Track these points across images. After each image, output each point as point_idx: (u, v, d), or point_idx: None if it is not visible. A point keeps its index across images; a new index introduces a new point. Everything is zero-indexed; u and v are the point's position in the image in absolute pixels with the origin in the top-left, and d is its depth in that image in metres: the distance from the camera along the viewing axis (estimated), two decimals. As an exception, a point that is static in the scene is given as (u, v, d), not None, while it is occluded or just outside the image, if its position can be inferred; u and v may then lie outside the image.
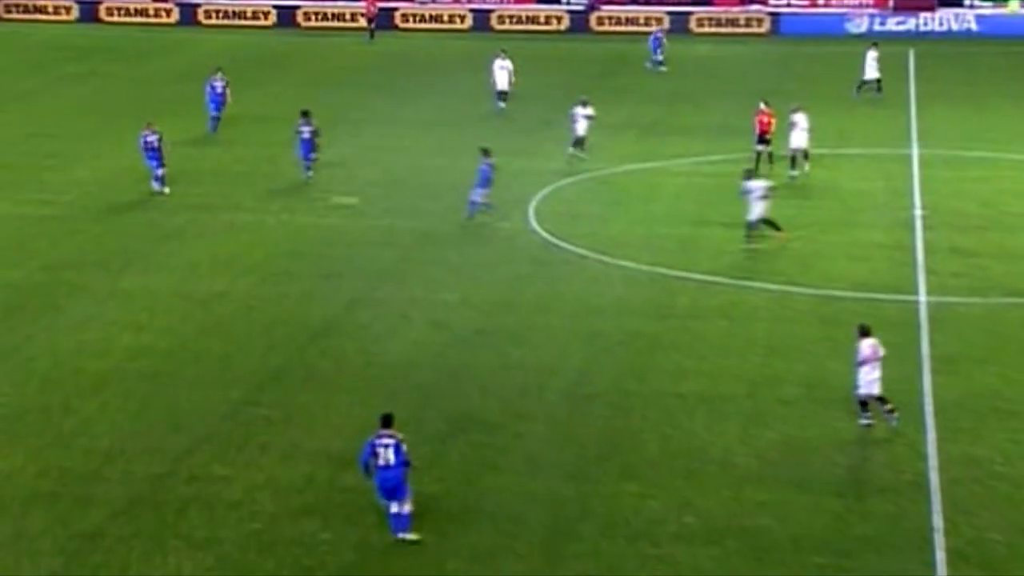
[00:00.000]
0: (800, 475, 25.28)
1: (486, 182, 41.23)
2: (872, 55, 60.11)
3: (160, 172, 44.44)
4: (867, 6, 78.22)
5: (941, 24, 76.61)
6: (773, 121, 46.91)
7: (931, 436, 26.65)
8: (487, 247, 39.22)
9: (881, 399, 26.78)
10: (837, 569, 22.09)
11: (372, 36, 78.24)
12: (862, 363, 26.83)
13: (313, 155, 45.98)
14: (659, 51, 68.69)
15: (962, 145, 50.28)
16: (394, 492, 22.63)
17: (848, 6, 78.34)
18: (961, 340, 31.75)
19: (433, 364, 30.66)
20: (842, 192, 44.81)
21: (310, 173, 45.87)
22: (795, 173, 45.52)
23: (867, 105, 58.26)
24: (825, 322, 33.10)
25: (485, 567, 22.28)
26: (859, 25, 77.37)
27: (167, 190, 44.25)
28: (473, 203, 41.39)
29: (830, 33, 76.69)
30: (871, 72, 60.05)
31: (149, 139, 44.60)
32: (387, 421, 23.15)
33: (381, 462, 22.63)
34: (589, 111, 48.37)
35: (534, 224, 41.25)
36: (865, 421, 26.75)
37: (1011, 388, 28.90)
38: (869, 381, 26.73)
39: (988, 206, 42.70)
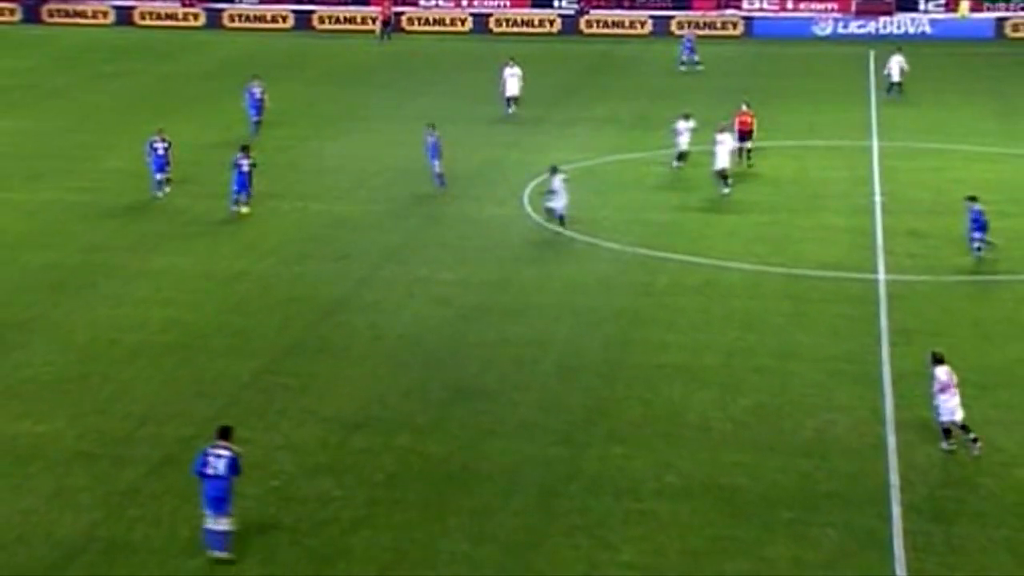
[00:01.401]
0: (771, 438, 25.33)
1: (436, 153, 43.29)
2: (897, 59, 58.83)
3: (160, 177, 42.55)
4: (832, 11, 78.03)
5: (899, 27, 76.47)
6: (753, 120, 46.57)
7: (889, 402, 26.70)
8: (485, 231, 39.17)
9: (964, 427, 24.36)
10: (803, 522, 22.13)
11: (388, 38, 77.70)
12: (941, 390, 24.40)
13: (249, 190, 40.93)
14: (693, 53, 68.29)
15: (918, 138, 50.23)
16: (218, 504, 20.90)
17: (815, 10, 78.13)
18: (916, 314, 31.77)
19: (436, 337, 30.64)
20: (809, 181, 44.77)
21: (236, 208, 40.63)
22: (727, 191, 44.09)
23: (832, 101, 58.13)
24: (794, 298, 33.11)
25: (484, 522, 22.30)
26: (824, 28, 77.24)
27: (162, 193, 42.61)
28: (439, 176, 43.12)
29: (799, 35, 76.53)
30: (896, 75, 58.60)
31: (156, 145, 42.84)
32: (224, 433, 21.44)
33: (210, 471, 20.93)
34: (691, 124, 46.41)
35: (528, 210, 41.22)
36: (947, 447, 24.38)
37: (960, 357, 28.68)
38: (950, 408, 24.28)
39: (941, 194, 42.68)
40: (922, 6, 76.95)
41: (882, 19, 76.69)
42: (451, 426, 25.92)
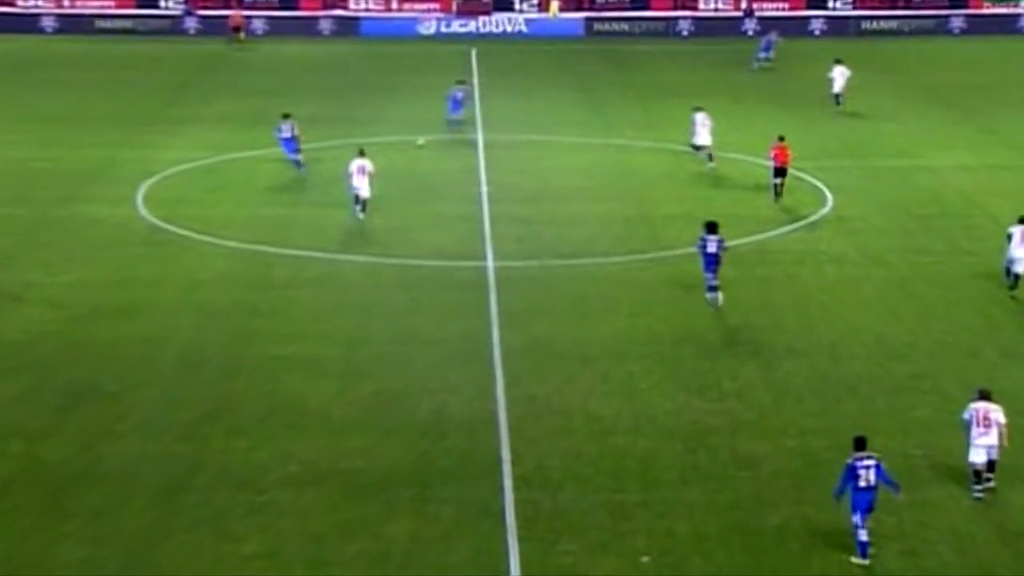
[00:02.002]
0: (391, 421, 25.38)
1: None
2: (840, 70, 56.26)
3: None
4: (435, 11, 79.16)
5: (497, 26, 78.39)
6: (789, 155, 41.09)
7: (499, 380, 27.23)
8: (100, 232, 37.59)
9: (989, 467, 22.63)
10: (422, 499, 22.27)
11: (235, 44, 73.58)
12: (975, 426, 22.60)
13: None
14: (770, 50, 67.25)
15: (519, 130, 51.57)
16: None
17: (418, 10, 79.05)
18: (522, 297, 32.56)
19: (50, 341, 29.12)
20: (421, 173, 45.20)
21: None
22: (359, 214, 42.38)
23: (441, 97, 58.91)
24: (410, 287, 33.34)
25: (104, 524, 21.32)
26: (428, 27, 78.28)
27: None
28: None
29: (405, 35, 77.25)
30: (838, 87, 55.81)
31: None
32: None
33: None
34: (705, 119, 44.80)
35: (142, 210, 39.82)
36: (977, 493, 22.65)
37: (563, 336, 29.89)
38: (979, 447, 22.55)
39: (541, 181, 44.00)
40: (517, 6, 79.17)
41: (482, 19, 78.42)
42: (68, 430, 24.66)
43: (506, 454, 23.89)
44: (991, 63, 68.31)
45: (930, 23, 76.87)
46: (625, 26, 78.34)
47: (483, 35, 77.39)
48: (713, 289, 31.71)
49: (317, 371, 27.75)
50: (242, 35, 74.97)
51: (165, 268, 34.46)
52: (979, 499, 22.51)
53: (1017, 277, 32.54)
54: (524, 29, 78.33)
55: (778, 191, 41.55)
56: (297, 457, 23.75)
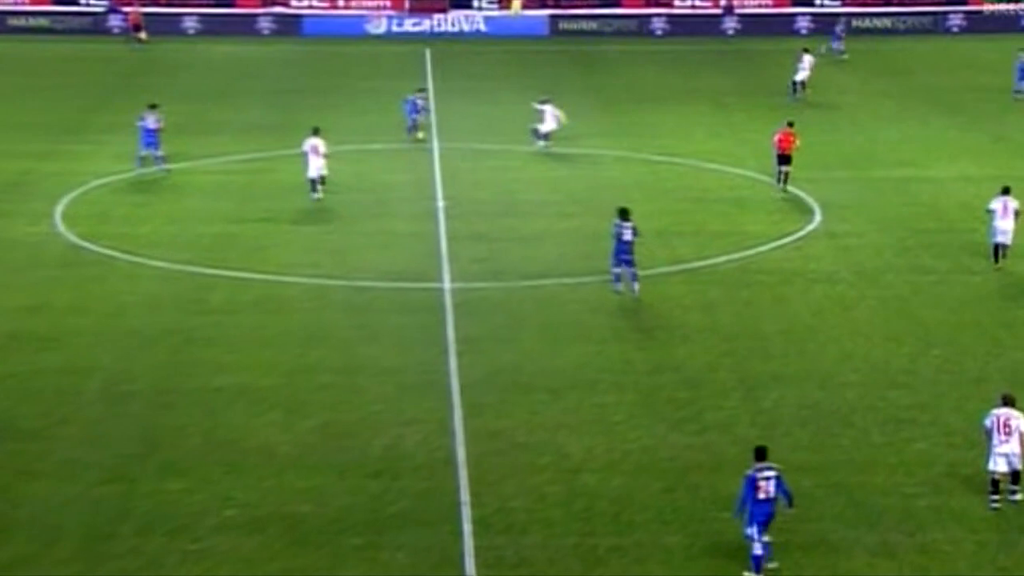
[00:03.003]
0: (339, 459, 25.37)
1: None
2: (808, 59, 60.07)
3: None
4: (385, 8, 79.40)
5: (454, 25, 78.70)
6: (795, 142, 43.86)
7: (458, 414, 27.28)
8: (14, 253, 37.49)
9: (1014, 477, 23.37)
10: (374, 547, 22.25)
11: (135, 43, 73.37)
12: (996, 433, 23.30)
13: None
14: (840, 42, 69.93)
15: (478, 138, 51.79)
16: None
17: (367, 8, 79.27)
18: (483, 322, 32.66)
19: (-40, 374, 29.00)
20: (371, 185, 45.33)
21: None
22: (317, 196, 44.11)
23: (391, 101, 59.05)
24: (359, 311, 33.40)
25: (22, 575, 21.20)
26: (378, 26, 78.49)
27: None
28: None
29: (352, 34, 77.44)
30: (803, 74, 59.85)
31: None
32: None
33: None
34: (551, 108, 49.46)
35: (61, 227, 39.73)
36: (993, 504, 23.45)
37: (528, 364, 29.98)
38: (1000, 455, 23.24)
39: (504, 194, 44.20)
40: (476, 3, 79.50)
41: (437, 16, 78.70)
42: (-19, 472, 24.54)
43: (465, 496, 23.90)
44: (994, 63, 69.09)
45: (927, 20, 77.71)
46: (594, 24, 78.80)
47: (438, 35, 77.68)
48: (618, 280, 33.63)
49: (258, 404, 27.71)
50: (143, 34, 74.65)
51: (88, 292, 34.36)
52: (996, 509, 23.04)
53: (1002, 248, 35.14)
54: (483, 28, 78.67)
55: (782, 179, 43.20)
56: (236, 500, 23.67)
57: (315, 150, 42.51)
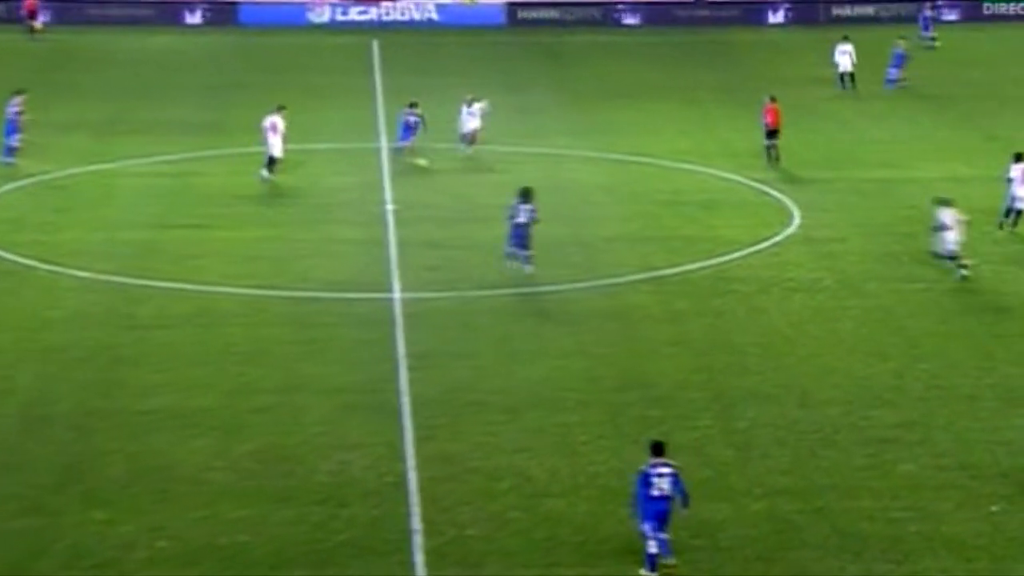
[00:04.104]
0: (280, 486, 25.37)
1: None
2: (843, 48, 60.67)
3: None
4: (329, -5, 79.46)
5: (403, 14, 78.82)
6: (779, 116, 47.75)
7: (409, 435, 27.35)
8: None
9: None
10: (318, 580, 22.37)
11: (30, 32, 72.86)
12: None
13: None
14: (930, 29, 71.38)
15: (430, 138, 51.64)
16: None
17: (309, -5, 79.33)
18: (436, 335, 32.76)
19: None
20: (314, 189, 45.41)
21: None
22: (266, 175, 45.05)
23: (334, 98, 59.18)
24: (302, 324, 33.48)
25: (-69, 618, 21.20)
26: (321, 14, 78.53)
27: None
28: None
29: (292, 23, 77.43)
30: (845, 65, 60.41)
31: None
32: None
33: None
34: (476, 107, 49.54)
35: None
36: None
37: (484, 380, 30.09)
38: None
39: (459, 198, 44.31)
40: (427, -10, 79.76)
41: (385, 5, 78.79)
42: None
43: (418, 524, 23.95)
44: (989, 56, 69.77)
45: (912, 8, 78.21)
46: (555, 13, 79.07)
47: (386, 24, 77.80)
48: (513, 257, 35.94)
49: (191, 427, 27.67)
50: (37, 23, 74.12)
51: (2, 305, 34.30)
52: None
53: (1019, 214, 39.40)
54: (435, 17, 78.83)
55: (772, 155, 46.04)
56: (167, 531, 23.63)
57: (274, 128, 44.45)
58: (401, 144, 48.64)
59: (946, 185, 45.51)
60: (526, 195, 36.35)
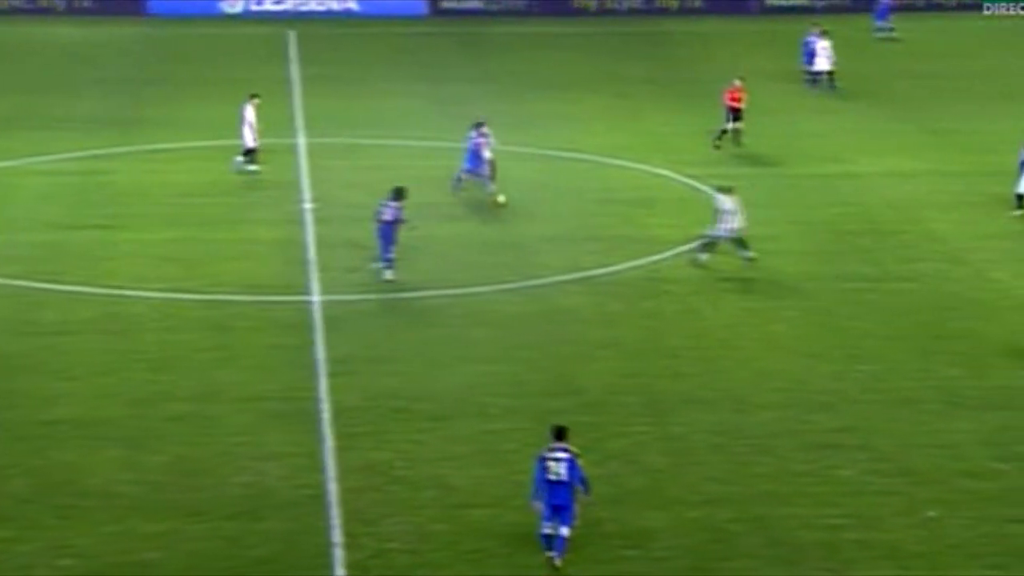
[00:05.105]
0: (192, 499, 25.31)
1: None
2: (822, 44, 59.83)
3: None
4: (242, -15, 79.08)
5: (321, 3, 78.60)
6: (744, 96, 49.71)
7: (329, 445, 27.35)
8: None
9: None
10: (232, 598, 22.34)
11: None
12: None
13: None
14: (886, 19, 71.29)
15: (352, 132, 51.77)
16: None
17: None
18: (357, 339, 32.77)
19: None
20: (230, 187, 45.18)
21: None
22: None
23: (246, 91, 58.70)
24: (216, 329, 33.42)
25: None
26: (234, 5, 78.16)
27: None
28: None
29: (203, 14, 76.99)
30: (823, 63, 59.62)
31: None
32: None
33: None
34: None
35: None
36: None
37: (408, 386, 30.11)
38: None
39: (380, 195, 43.72)
40: (348, -21, 79.58)
41: (305, -6, 78.60)
42: None
43: (338, 537, 23.95)
44: (935, 48, 70.37)
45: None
46: (479, 3, 79.15)
47: (303, 14, 77.52)
48: (384, 260, 35.97)
49: (97, 439, 27.54)
50: None
51: None
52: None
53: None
54: (355, 7, 78.66)
55: (735, 136, 48.48)
56: (73, 548, 23.51)
57: (244, 118, 45.40)
58: (469, 174, 43.95)
59: (886, 180, 46.20)
60: (398, 194, 36.50)
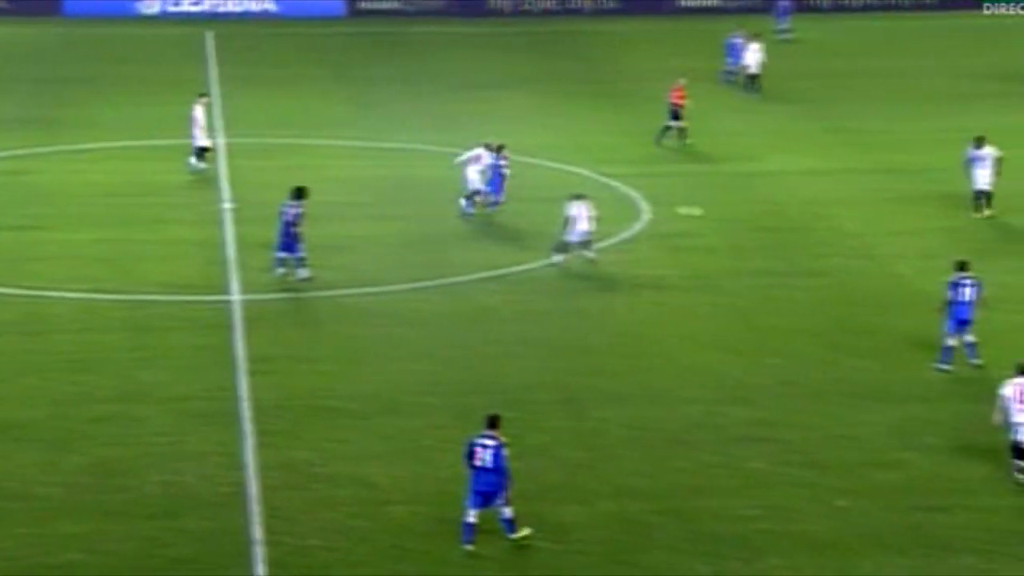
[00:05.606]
0: (113, 500, 25.19)
1: None
2: (753, 46, 59.44)
3: None
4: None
5: (239, 4, 78.18)
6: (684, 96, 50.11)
7: (249, 443, 27.27)
8: None
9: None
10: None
11: None
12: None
13: None
14: (785, 19, 71.27)
15: (271, 132, 51.57)
16: None
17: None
18: (277, 339, 32.70)
19: None
20: (147, 187, 44.86)
21: None
22: None
23: (167, 92, 58.41)
24: (137, 329, 33.28)
25: None
26: (151, 6, 77.59)
27: None
28: None
29: (120, 14, 76.39)
30: (752, 65, 59.22)
31: None
32: None
33: None
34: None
35: None
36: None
37: (328, 385, 30.10)
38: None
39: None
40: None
41: (221, -4, 78.17)
42: None
43: (258, 534, 23.89)
44: (844, 47, 70.83)
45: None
46: (397, 4, 79.03)
47: (220, 15, 77.09)
48: (282, 263, 35.94)
49: (17, 441, 27.35)
50: None
51: None
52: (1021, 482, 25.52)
53: (985, 195, 41.32)
54: (272, 8, 78.33)
55: (682, 135, 49.56)
56: (-6, 549, 23.38)
57: (193, 119, 45.34)
58: (489, 198, 42.05)
59: (798, 178, 46.63)
60: (298, 193, 36.34)
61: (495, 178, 41.77)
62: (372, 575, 22.89)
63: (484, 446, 23.29)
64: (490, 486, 23.22)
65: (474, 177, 41.79)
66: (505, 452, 23.30)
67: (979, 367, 30.68)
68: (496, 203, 41.99)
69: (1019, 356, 26.99)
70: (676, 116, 50.15)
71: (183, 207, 42.96)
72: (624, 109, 56.01)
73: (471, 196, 41.89)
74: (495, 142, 42.54)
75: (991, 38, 72.79)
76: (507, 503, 23.36)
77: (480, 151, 42.09)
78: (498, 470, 23.25)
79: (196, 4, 77.84)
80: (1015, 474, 25.83)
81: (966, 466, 26.62)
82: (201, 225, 41.09)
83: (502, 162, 41.99)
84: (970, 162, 41.71)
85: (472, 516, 23.23)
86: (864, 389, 30.18)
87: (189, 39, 70.59)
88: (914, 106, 57.45)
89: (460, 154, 43.09)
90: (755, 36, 60.54)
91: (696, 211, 41.59)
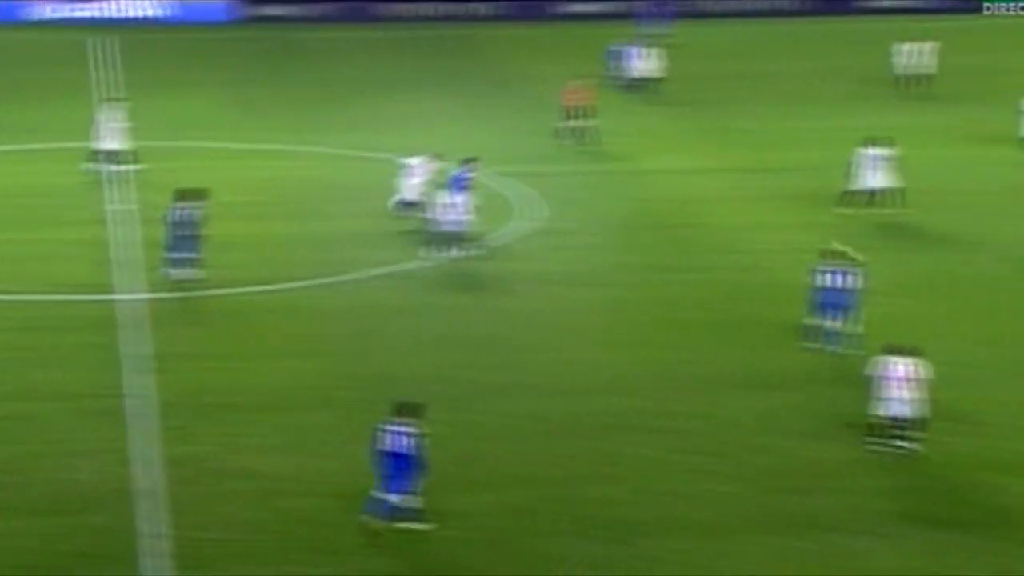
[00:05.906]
0: (3, 497, 25.15)
1: None
2: (650, 51, 60.07)
3: None
4: (46, -9, 77.77)
5: (127, 10, 77.57)
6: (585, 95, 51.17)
7: (140, 440, 27.33)
8: None
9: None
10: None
11: None
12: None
13: None
14: (664, 24, 70.97)
15: (158, 136, 51.24)
16: None
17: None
18: (170, 337, 32.67)
19: None
20: (35, 190, 44.58)
21: None
22: None
23: (54, 98, 58.15)
24: (24, 329, 33.27)
25: None
26: (39, 10, 76.76)
27: None
28: None
29: (6, 19, 75.55)
30: (646, 71, 59.92)
31: None
32: None
33: None
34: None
35: None
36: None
37: (223, 380, 30.23)
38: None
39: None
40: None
41: (105, 2, 77.47)
42: None
43: (149, 529, 24.06)
44: (720, 51, 71.57)
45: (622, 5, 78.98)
46: (294, 9, 78.86)
47: (104, 21, 76.34)
48: (176, 263, 35.52)
49: (-94, 442, 27.27)
50: None
51: None
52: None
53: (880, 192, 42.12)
54: (160, 13, 77.84)
55: (579, 135, 50.44)
56: None
57: (106, 122, 45.93)
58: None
59: (673, 177, 47.35)
60: (183, 196, 36.29)
61: (457, 191, 39.04)
62: (262, 567, 23.10)
63: (395, 432, 23.57)
64: (398, 469, 23.48)
65: (412, 186, 41.20)
66: (425, 442, 23.62)
67: (841, 355, 31.47)
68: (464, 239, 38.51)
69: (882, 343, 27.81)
70: (572, 116, 51.09)
71: (71, 208, 42.70)
72: (511, 111, 56.50)
73: (401, 203, 41.57)
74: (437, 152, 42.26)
75: (867, 42, 74.01)
76: (416, 492, 23.63)
77: (422, 160, 41.62)
78: (414, 458, 23.54)
79: (82, 10, 77.07)
80: (871, 446, 27.04)
81: (829, 448, 27.51)
82: (87, 226, 40.92)
83: (468, 176, 40.37)
84: (859, 161, 42.46)
85: (378, 493, 23.54)
86: (736, 378, 30.86)
87: (76, 44, 69.97)
88: (789, 107, 58.41)
89: (347, 154, 43.18)
90: (647, 41, 61.44)
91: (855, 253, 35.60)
